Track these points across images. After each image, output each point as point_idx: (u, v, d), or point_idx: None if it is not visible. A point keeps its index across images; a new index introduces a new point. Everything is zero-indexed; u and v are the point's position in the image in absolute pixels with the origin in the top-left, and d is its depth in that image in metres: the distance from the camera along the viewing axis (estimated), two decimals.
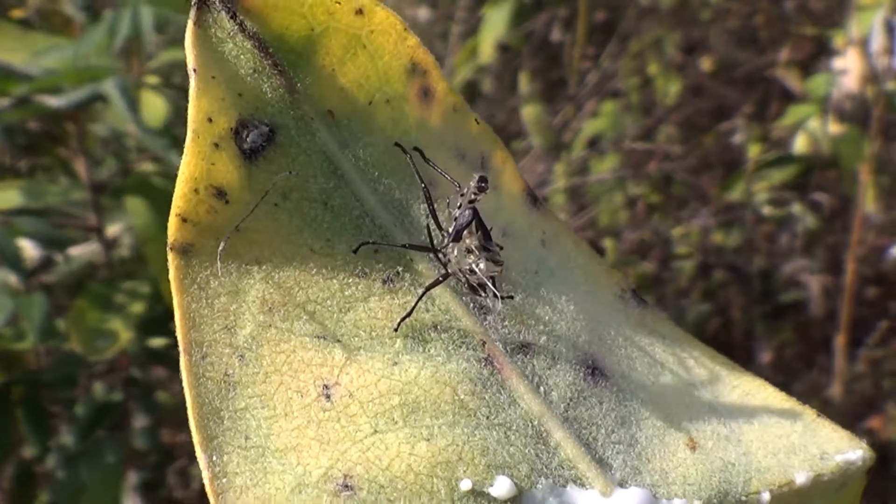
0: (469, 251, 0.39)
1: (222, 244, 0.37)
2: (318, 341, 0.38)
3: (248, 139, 0.38)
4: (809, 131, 1.81)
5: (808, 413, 0.46)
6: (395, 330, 0.39)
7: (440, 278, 0.40)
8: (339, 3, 0.39)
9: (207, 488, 0.37)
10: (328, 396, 0.38)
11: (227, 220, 0.38)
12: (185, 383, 0.37)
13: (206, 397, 0.37)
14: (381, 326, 0.39)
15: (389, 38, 0.40)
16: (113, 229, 1.53)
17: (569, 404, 0.41)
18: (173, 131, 1.52)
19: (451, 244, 0.39)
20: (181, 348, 0.37)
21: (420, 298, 0.39)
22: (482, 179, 0.39)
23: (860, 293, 1.80)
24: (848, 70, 1.70)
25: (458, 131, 0.43)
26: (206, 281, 0.37)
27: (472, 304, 0.41)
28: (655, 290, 1.93)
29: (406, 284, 0.40)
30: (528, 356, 0.41)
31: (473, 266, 0.39)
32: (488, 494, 0.38)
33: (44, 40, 1.48)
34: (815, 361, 1.94)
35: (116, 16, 1.38)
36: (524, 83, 1.98)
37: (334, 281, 0.39)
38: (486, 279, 0.39)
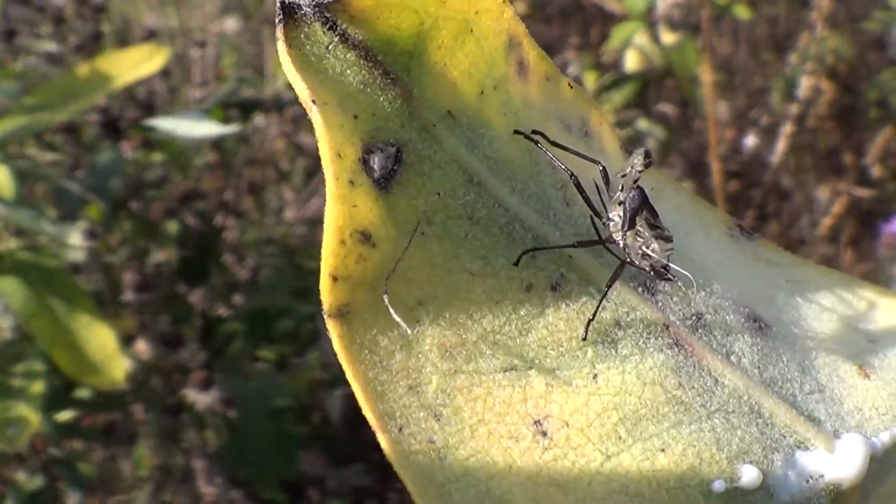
0: (638, 234, 0.34)
1: (385, 296, 0.31)
2: (510, 374, 0.33)
3: (376, 166, 0.32)
4: (638, 47, 1.79)
5: None
6: (584, 339, 0.33)
7: (618, 270, 0.34)
8: None
9: None
10: (544, 433, 0.32)
11: (378, 266, 0.32)
12: (395, 466, 0.30)
13: (424, 476, 0.31)
14: (568, 339, 0.34)
15: (491, 15, 0.35)
16: None
17: (760, 367, 0.36)
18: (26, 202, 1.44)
19: (625, 231, 0.34)
20: (375, 426, 0.31)
21: (602, 300, 0.34)
22: (647, 155, 0.34)
23: (725, 188, 1.80)
24: None
25: (556, 100, 0.38)
26: (374, 341, 0.31)
27: (640, 289, 0.35)
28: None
29: (574, 286, 0.35)
30: (706, 327, 0.36)
31: (645, 248, 0.34)
32: (740, 488, 0.33)
33: None
34: None
35: None
36: None
37: (505, 303, 0.33)
38: (664, 258, 0.34)
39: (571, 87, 0.39)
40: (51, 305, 1.36)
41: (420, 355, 0.32)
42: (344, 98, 0.32)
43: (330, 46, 0.32)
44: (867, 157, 1.89)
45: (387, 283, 0.31)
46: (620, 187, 0.35)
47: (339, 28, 0.32)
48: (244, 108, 1.58)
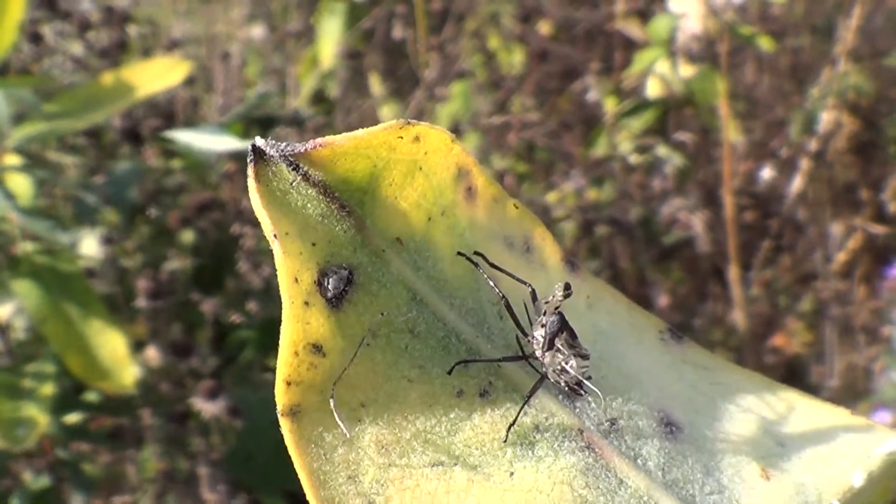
0: (557, 352, 0.40)
1: (332, 399, 0.37)
2: (437, 469, 0.39)
3: (330, 287, 0.38)
4: (659, 74, 1.85)
5: (843, 413, 0.47)
6: (505, 440, 0.40)
7: (537, 384, 0.40)
8: (401, 137, 0.39)
9: None
10: None
11: (326, 373, 0.38)
12: None
13: None
14: (491, 440, 0.40)
15: (440, 153, 0.41)
16: (3, 313, 1.50)
17: (664, 469, 0.42)
18: (42, 208, 1.49)
19: (545, 350, 0.40)
20: None
21: (522, 408, 0.40)
22: (567, 287, 0.40)
23: (739, 218, 1.86)
24: (687, 13, 1.74)
25: (501, 220, 0.44)
26: (320, 437, 0.38)
27: (560, 397, 0.41)
28: None
29: (500, 393, 0.41)
30: (618, 432, 0.42)
31: (564, 364, 0.40)
32: None
33: None
34: (708, 293, 1.99)
35: None
36: (375, 85, 1.98)
37: (437, 407, 0.40)
38: (579, 376, 0.40)
39: (517, 207, 0.45)
40: (64, 309, 1.41)
41: (359, 450, 0.38)
42: (304, 228, 0.38)
43: (293, 183, 0.38)
44: (885, 194, 1.94)
45: (334, 387, 0.38)
46: (544, 311, 0.41)
47: (301, 169, 0.38)
48: (263, 124, 1.65)
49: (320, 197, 0.38)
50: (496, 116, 2.04)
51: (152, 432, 1.61)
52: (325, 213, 0.39)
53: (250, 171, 0.38)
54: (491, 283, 0.41)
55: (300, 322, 0.37)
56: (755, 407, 0.46)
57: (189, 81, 1.91)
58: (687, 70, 1.76)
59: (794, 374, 1.83)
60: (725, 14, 1.69)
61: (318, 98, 2.04)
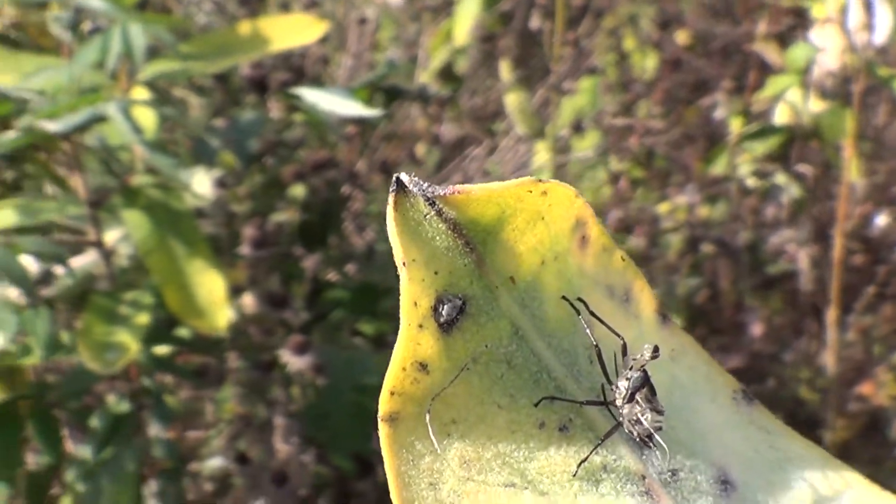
0: (636, 403, 0.45)
1: (428, 413, 0.42)
2: (509, 490, 0.44)
3: (443, 313, 0.43)
4: (789, 103, 1.87)
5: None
6: (574, 475, 0.45)
7: (613, 430, 0.45)
8: (531, 191, 0.44)
9: None
10: None
11: (427, 389, 0.43)
12: None
13: None
14: (561, 471, 0.45)
15: (563, 206, 0.45)
16: (110, 238, 1.57)
17: None
18: (164, 144, 1.56)
19: (625, 401, 0.45)
20: None
21: (594, 449, 0.45)
22: (655, 349, 0.45)
23: (847, 260, 1.88)
24: (826, 47, 1.76)
25: (607, 268, 0.48)
26: (411, 444, 0.43)
27: (631, 444, 0.46)
28: (644, 266, 1.99)
29: (579, 431, 0.46)
30: (677, 482, 0.46)
31: (640, 416, 0.45)
32: None
33: (32, 61, 1.51)
34: (804, 329, 2.01)
35: (108, 35, 1.41)
36: (505, 71, 2.02)
37: (519, 434, 0.44)
38: (651, 429, 0.45)
39: (623, 260, 0.49)
40: (170, 245, 1.47)
41: (444, 461, 0.43)
42: (430, 257, 0.43)
43: (427, 216, 0.43)
44: None
45: (431, 403, 0.43)
46: (630, 366, 0.46)
47: (436, 205, 0.43)
48: (389, 94, 1.70)
49: (449, 232, 0.43)
50: (621, 118, 2.08)
51: (236, 376, 1.68)
52: (451, 247, 0.43)
53: (391, 199, 0.43)
54: (587, 330, 0.46)
55: (412, 342, 0.42)
56: (810, 478, 0.49)
57: (322, 40, 1.97)
58: (818, 104, 1.78)
59: (874, 426, 1.85)
60: (865, 52, 1.71)
61: (446, 74, 2.09)
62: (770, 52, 2.05)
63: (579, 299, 0.46)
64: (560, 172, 2.09)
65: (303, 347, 1.55)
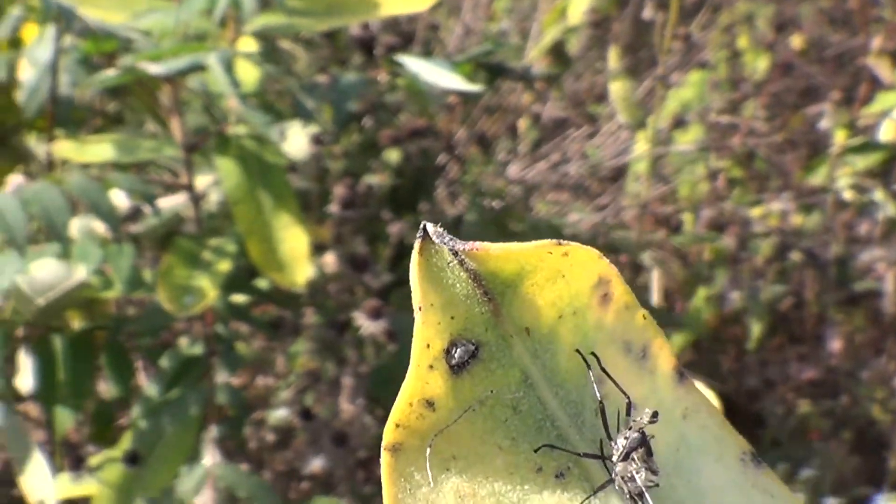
0: (632, 460, 0.47)
1: (429, 447, 0.45)
2: None
3: (455, 356, 0.45)
4: None
5: None
6: None
7: (605, 484, 0.48)
8: (551, 253, 0.46)
9: None
10: None
11: (431, 425, 0.45)
12: None
13: None
14: None
15: (585, 266, 0.47)
16: (201, 183, 1.61)
17: None
18: (264, 97, 1.59)
19: (620, 459, 0.47)
20: None
21: (587, 499, 0.47)
22: (654, 415, 0.47)
23: None
24: None
25: (626, 326, 0.50)
26: (410, 474, 0.45)
27: (626, 495, 0.49)
28: (731, 267, 2.00)
29: (574, 479, 0.48)
30: None
31: (634, 474, 0.47)
32: None
33: (144, 1, 1.55)
34: (884, 349, 2.01)
35: None
36: (613, 58, 2.03)
37: (516, 475, 0.47)
38: (643, 487, 0.47)
39: (644, 318, 0.51)
40: (259, 197, 1.50)
41: (440, 493, 0.46)
42: (448, 303, 0.46)
43: (450, 264, 0.45)
44: None
45: (434, 438, 0.46)
46: (630, 426, 0.48)
47: (459, 256, 0.46)
48: (493, 71, 1.72)
49: (469, 281, 0.46)
50: (726, 116, 2.08)
51: (310, 332, 1.71)
52: (470, 295, 0.46)
53: (417, 244, 0.46)
54: (594, 385, 0.49)
55: (421, 381, 0.45)
56: None
57: (435, 6, 1.99)
58: None
59: None
60: None
61: (556, 52, 2.10)
62: (882, 68, 2.04)
63: (592, 354, 0.48)
64: (658, 164, 2.10)
65: (378, 312, 1.58)
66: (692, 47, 2.16)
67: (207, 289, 1.47)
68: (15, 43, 1.72)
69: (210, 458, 1.50)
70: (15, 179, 1.56)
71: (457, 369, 0.46)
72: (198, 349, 1.59)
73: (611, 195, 2.22)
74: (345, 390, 1.67)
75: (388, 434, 0.46)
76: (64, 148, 1.55)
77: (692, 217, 2.07)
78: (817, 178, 1.99)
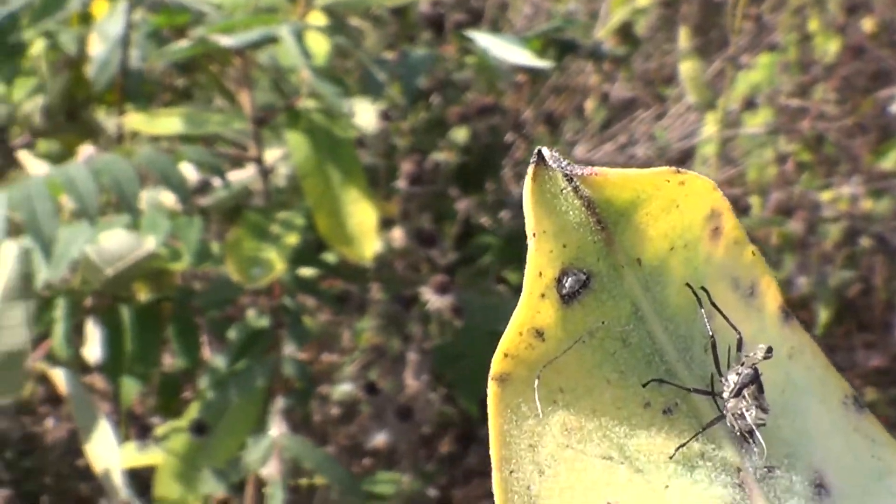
0: (743, 398, 0.46)
1: (538, 378, 0.45)
2: (606, 462, 0.46)
3: (566, 285, 0.44)
4: None
5: None
6: (671, 457, 0.46)
7: (716, 420, 0.47)
8: (668, 181, 0.45)
9: None
10: None
11: (540, 355, 0.45)
12: (497, 497, 0.45)
13: None
14: (659, 452, 0.46)
15: (700, 196, 0.46)
16: (270, 157, 1.61)
17: None
18: (333, 71, 1.59)
19: (731, 395, 0.46)
20: (494, 465, 0.44)
21: (696, 435, 0.46)
22: (769, 350, 0.46)
23: None
24: None
25: (736, 261, 0.49)
26: (517, 406, 0.45)
27: (733, 436, 0.48)
28: (799, 252, 1.98)
29: (682, 416, 0.47)
30: (772, 480, 0.47)
31: (744, 411, 0.46)
32: None
33: None
34: None
35: None
36: (683, 38, 2.02)
37: (624, 410, 0.46)
38: (753, 425, 0.46)
39: (754, 254, 0.50)
40: (327, 171, 1.51)
41: (546, 426, 0.45)
42: (560, 230, 0.45)
43: (563, 191, 0.45)
44: None
45: (542, 369, 0.45)
46: (742, 361, 0.47)
47: (574, 182, 0.45)
48: (562, 48, 1.72)
49: (583, 208, 0.45)
50: (795, 99, 2.06)
51: (376, 307, 1.71)
52: (583, 223, 0.45)
53: (530, 170, 0.45)
54: (705, 320, 0.48)
55: (532, 309, 0.44)
56: None
57: None
58: None
59: None
60: None
61: (625, 33, 2.09)
62: None
63: (703, 288, 0.47)
64: (727, 146, 2.08)
65: (445, 287, 1.58)
66: (762, 29, 2.14)
67: (275, 261, 1.48)
68: (85, 18, 1.72)
69: (276, 429, 1.50)
70: (86, 150, 1.57)
71: (567, 299, 0.45)
72: (264, 322, 1.59)
73: None
74: (409, 366, 1.66)
75: (497, 364, 0.45)
76: (134, 120, 1.55)
77: (760, 200, 2.05)
78: (887, 163, 1.97)
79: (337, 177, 1.49)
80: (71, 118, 1.75)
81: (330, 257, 1.63)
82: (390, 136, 1.70)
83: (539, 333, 0.45)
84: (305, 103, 1.53)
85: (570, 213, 0.45)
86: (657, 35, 2.27)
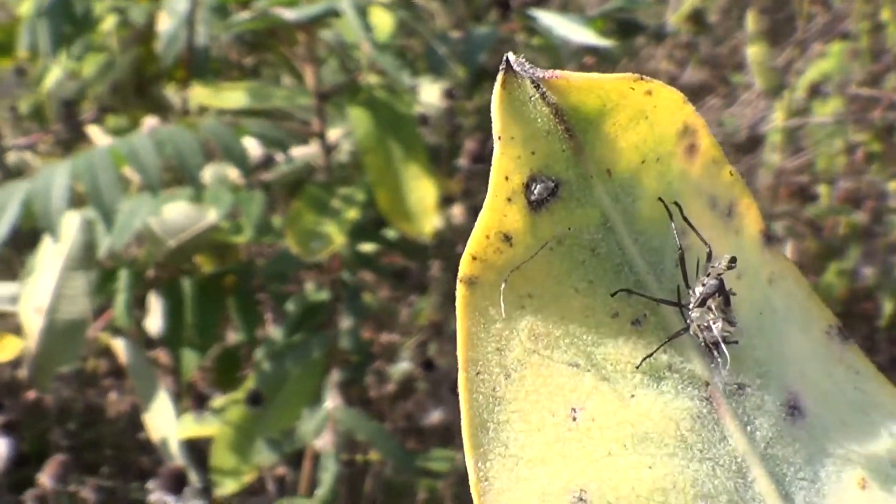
0: (709, 309, 0.47)
1: (504, 280, 0.45)
2: (572, 369, 0.46)
3: (535, 192, 0.45)
4: None
5: None
6: (637, 367, 0.47)
7: (681, 331, 0.47)
8: (633, 89, 0.45)
9: (472, 489, 0.44)
10: (574, 419, 0.45)
11: (508, 260, 0.45)
12: (461, 397, 0.45)
13: (476, 410, 0.45)
14: (626, 362, 0.46)
15: (669, 110, 0.47)
16: (333, 133, 1.62)
17: (769, 443, 0.47)
18: (397, 46, 1.60)
19: (695, 306, 0.47)
20: (460, 366, 0.45)
21: (662, 345, 0.47)
22: (732, 260, 0.47)
23: None
24: None
25: (713, 180, 0.49)
26: (485, 309, 0.45)
27: (703, 350, 0.48)
28: (865, 242, 1.96)
29: (651, 328, 0.47)
30: (741, 397, 0.47)
31: (711, 324, 0.46)
32: None
33: None
34: None
35: None
36: (751, 22, 2.00)
37: (591, 319, 0.46)
38: (719, 337, 0.46)
39: (732, 175, 0.51)
40: (389, 146, 1.52)
41: (514, 331, 0.46)
42: (529, 137, 0.45)
43: (532, 98, 0.45)
44: None
45: (510, 273, 0.46)
46: (708, 273, 0.48)
47: (541, 89, 0.46)
48: (625, 27, 1.71)
49: (551, 116, 0.45)
50: (866, 88, 2.03)
51: (437, 285, 1.72)
52: (551, 130, 0.45)
53: (499, 77, 0.45)
54: (676, 235, 0.48)
55: (499, 213, 0.45)
56: (889, 425, 0.50)
57: None
58: None
59: None
60: None
61: (695, 19, 2.08)
62: None
63: (676, 203, 0.48)
64: (796, 135, 2.06)
65: None
66: (834, 17, 2.12)
67: (334, 234, 1.49)
68: None
69: (331, 401, 1.52)
70: (149, 122, 1.59)
71: (535, 205, 0.46)
72: (323, 295, 1.61)
73: (745, 164, 2.19)
74: None
75: (464, 266, 0.46)
76: (199, 93, 1.58)
77: (828, 189, 2.03)
78: None
79: (398, 152, 1.50)
80: (140, 94, 1.78)
81: (390, 233, 1.64)
82: (454, 115, 1.71)
83: (507, 238, 0.45)
84: (369, 79, 1.54)
85: (539, 120, 0.45)
86: (727, 23, 2.25)
